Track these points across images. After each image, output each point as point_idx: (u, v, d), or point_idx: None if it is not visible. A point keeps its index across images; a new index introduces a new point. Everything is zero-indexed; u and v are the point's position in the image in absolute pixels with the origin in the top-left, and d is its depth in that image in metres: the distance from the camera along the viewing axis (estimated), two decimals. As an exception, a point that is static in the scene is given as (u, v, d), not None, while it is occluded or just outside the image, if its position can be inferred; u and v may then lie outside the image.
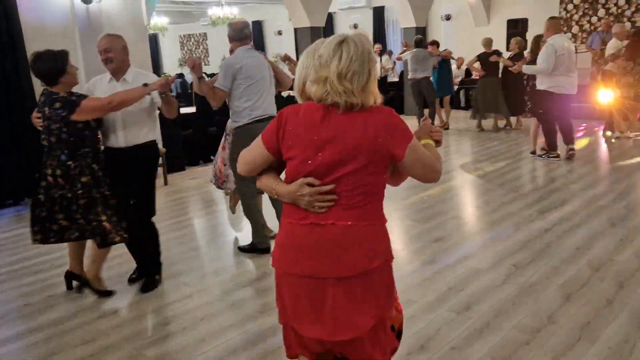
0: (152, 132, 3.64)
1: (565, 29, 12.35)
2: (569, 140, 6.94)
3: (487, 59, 9.01)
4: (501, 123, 9.67)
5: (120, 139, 3.48)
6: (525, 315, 3.08)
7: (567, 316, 3.04)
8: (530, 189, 5.74)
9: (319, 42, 1.89)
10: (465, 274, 3.68)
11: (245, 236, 4.77)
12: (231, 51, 4.31)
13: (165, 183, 6.84)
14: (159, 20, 15.80)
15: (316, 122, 1.74)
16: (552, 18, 6.93)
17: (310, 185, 1.74)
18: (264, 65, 4.14)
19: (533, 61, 7.05)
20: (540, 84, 6.75)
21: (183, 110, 8.55)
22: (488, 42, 9.19)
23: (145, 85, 3.37)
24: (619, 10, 11.74)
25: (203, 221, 5.43)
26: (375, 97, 1.77)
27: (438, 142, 2.00)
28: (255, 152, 1.86)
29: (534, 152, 7.21)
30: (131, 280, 3.81)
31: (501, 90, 9.08)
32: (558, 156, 6.95)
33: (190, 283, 3.79)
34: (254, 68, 4.03)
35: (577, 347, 2.74)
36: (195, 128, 8.00)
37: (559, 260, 3.83)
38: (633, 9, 11.56)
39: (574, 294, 3.31)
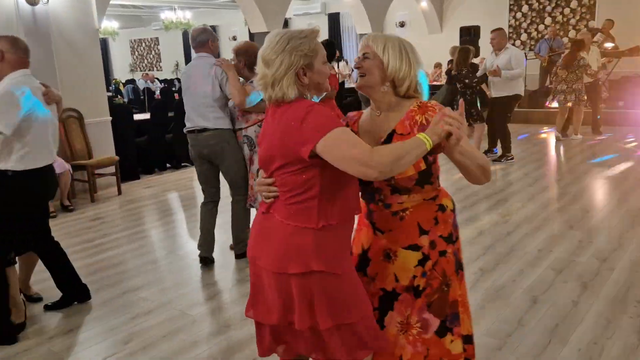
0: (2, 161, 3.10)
1: (514, 36, 12.74)
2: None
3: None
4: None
5: None
6: (495, 320, 3.07)
7: (536, 319, 3.06)
8: (490, 193, 5.82)
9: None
10: (432, 279, 3.66)
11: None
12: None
13: (119, 192, 6.57)
14: (109, 25, 15.31)
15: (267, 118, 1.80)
16: (500, 29, 7.29)
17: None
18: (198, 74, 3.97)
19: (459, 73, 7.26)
20: (509, 89, 6.96)
21: (137, 117, 8.29)
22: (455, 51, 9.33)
23: None
24: (565, 19, 12.20)
25: (161, 232, 5.23)
26: (302, 91, 1.71)
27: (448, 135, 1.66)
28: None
29: None
30: (48, 308, 3.49)
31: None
32: (513, 157, 7.17)
33: (150, 298, 3.60)
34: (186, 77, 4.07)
35: (549, 350, 2.75)
36: (150, 135, 7.74)
37: (524, 263, 3.86)
38: (578, 17, 12.03)
39: (540, 296, 3.34)
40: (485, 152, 7.46)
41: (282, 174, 1.72)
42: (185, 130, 4.03)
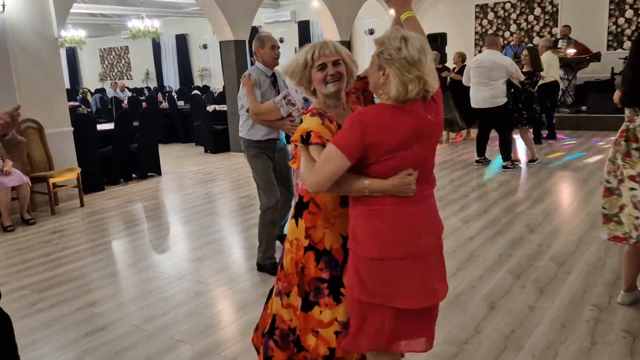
0: None
1: (481, 43, 12.93)
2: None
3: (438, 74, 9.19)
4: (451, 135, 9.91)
5: None
6: (452, 328, 3.07)
7: (492, 326, 3.07)
8: (455, 198, 5.86)
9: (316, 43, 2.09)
10: (393, 287, 3.65)
11: (171, 257, 4.53)
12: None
13: (82, 204, 6.42)
14: (75, 33, 15.05)
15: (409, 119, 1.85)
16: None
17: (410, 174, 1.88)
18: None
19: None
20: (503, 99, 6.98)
21: (101, 127, 8.16)
22: (436, 58, 9.38)
23: None
24: (529, 26, 12.44)
25: (122, 244, 5.12)
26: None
27: None
28: (335, 164, 1.84)
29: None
30: None
31: (453, 104, 9.18)
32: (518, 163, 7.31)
33: (105, 313, 3.51)
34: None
35: (503, 357, 2.76)
36: (115, 145, 7.61)
37: (483, 269, 3.89)
38: (542, 24, 12.29)
39: (498, 302, 3.36)
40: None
41: (431, 156, 1.99)
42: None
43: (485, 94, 6.96)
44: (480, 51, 12.98)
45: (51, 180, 6.07)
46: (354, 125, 1.81)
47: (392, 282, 1.89)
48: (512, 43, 11.64)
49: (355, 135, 1.80)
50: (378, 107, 1.87)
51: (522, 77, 7.02)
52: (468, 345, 2.88)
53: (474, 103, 7.14)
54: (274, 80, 3.94)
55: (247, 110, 3.72)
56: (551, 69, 8.43)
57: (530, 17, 12.40)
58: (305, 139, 1.96)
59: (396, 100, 1.82)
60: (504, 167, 7.07)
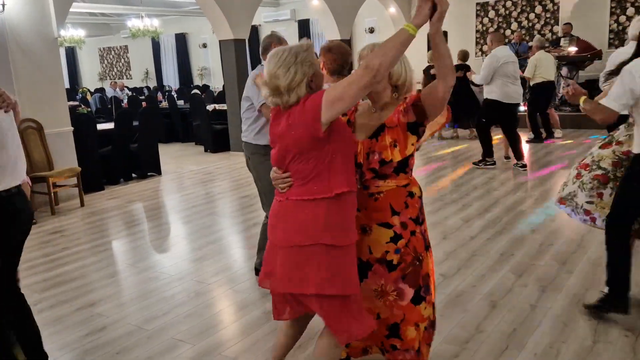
0: None
1: (482, 41, 12.92)
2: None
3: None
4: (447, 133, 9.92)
5: None
6: (454, 327, 3.06)
7: (493, 325, 3.06)
8: (456, 198, 5.85)
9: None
10: (394, 286, 3.64)
11: (171, 257, 4.53)
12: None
13: (82, 204, 6.41)
14: (75, 33, 15.04)
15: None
16: (491, 33, 7.34)
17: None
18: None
19: None
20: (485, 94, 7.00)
21: (101, 126, 8.15)
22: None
23: None
24: (530, 24, 12.42)
25: (122, 244, 5.11)
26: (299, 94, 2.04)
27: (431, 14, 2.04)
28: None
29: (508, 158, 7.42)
30: None
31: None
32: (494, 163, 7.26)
33: (105, 313, 3.50)
34: None
35: (505, 356, 2.75)
36: (115, 145, 7.60)
37: (485, 268, 3.88)
38: (543, 22, 12.27)
39: (499, 301, 3.35)
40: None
41: (297, 164, 2.06)
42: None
43: (519, 89, 6.98)
44: (481, 49, 12.98)
45: (51, 180, 6.07)
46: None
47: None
48: (512, 41, 11.62)
49: None
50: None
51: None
52: (469, 344, 2.87)
53: (512, 99, 6.87)
54: None
55: (259, 110, 3.55)
56: (540, 69, 8.38)
57: (532, 15, 12.37)
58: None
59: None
60: (523, 165, 6.95)
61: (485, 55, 7.40)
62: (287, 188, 2.11)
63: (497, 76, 6.77)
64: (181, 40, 18.19)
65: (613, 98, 2.74)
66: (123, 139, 7.68)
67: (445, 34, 12.00)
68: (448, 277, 3.75)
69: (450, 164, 7.55)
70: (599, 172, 3.12)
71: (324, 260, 2.02)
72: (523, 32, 12.28)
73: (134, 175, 7.98)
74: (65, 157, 6.59)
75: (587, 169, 3.18)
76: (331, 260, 2.03)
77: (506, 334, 2.96)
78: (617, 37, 11.41)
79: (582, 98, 2.89)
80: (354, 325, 2.09)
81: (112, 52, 20.18)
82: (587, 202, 3.15)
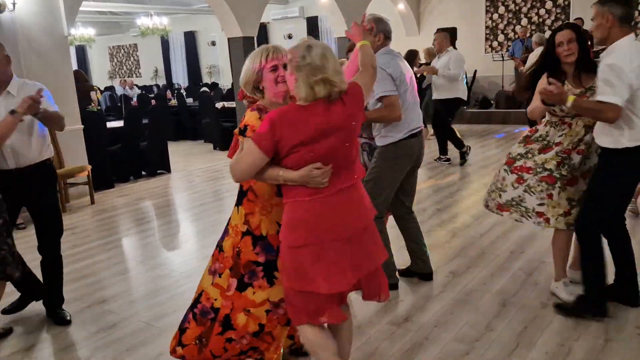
0: (45, 151, 3.32)
1: (491, 37, 12.83)
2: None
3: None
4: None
5: (10, 161, 3.17)
6: (464, 325, 3.05)
7: (504, 323, 3.04)
8: (465, 195, 5.82)
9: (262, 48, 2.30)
10: (403, 284, 3.63)
11: (180, 255, 4.54)
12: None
13: (92, 202, 6.45)
14: (85, 32, 15.11)
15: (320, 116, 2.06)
16: (441, 31, 7.47)
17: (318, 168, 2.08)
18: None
19: None
20: (450, 92, 7.13)
21: (111, 124, 8.18)
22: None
23: (13, 112, 2.95)
24: (540, 20, 12.31)
25: (133, 241, 5.14)
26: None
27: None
28: (252, 157, 2.09)
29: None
30: (6, 312, 3.50)
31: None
32: (449, 160, 7.40)
33: (116, 310, 3.52)
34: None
35: (515, 355, 2.73)
36: (124, 143, 7.63)
37: (495, 266, 3.85)
38: (553, 18, 12.16)
39: (510, 299, 3.33)
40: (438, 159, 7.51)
41: (347, 151, 2.15)
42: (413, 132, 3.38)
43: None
44: (491, 46, 12.89)
45: (62, 178, 6.10)
46: (265, 123, 2.06)
47: (305, 268, 2.10)
48: (519, 37, 11.55)
49: (267, 132, 2.04)
50: (287, 107, 2.12)
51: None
52: (479, 342, 2.86)
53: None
54: None
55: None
56: None
57: (542, 11, 12.25)
58: (243, 131, 2.21)
59: (305, 100, 2.06)
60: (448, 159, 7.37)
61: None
62: (327, 182, 2.09)
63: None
64: (190, 38, 18.22)
65: (617, 94, 2.63)
66: (132, 137, 7.72)
67: (454, 30, 12.02)
68: (458, 275, 3.73)
69: (458, 162, 7.50)
70: (545, 174, 3.10)
71: (376, 233, 2.27)
72: (533, 27, 12.18)
73: (143, 173, 8.02)
74: (76, 155, 6.63)
75: (531, 172, 3.14)
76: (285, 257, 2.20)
77: (517, 332, 2.94)
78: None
79: (572, 97, 2.77)
80: None
81: (122, 51, 20.26)
82: (539, 205, 3.13)
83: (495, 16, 12.89)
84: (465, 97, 7.37)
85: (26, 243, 5.10)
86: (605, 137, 2.82)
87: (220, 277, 2.43)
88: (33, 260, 4.59)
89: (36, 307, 3.60)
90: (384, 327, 3.09)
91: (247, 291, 2.38)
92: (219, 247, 2.48)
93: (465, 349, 2.81)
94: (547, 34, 11.88)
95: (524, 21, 12.48)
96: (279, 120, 2.04)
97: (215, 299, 2.44)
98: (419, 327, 3.06)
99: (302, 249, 2.11)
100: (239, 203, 2.43)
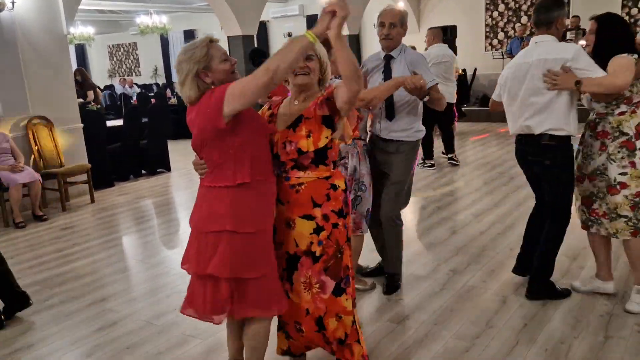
0: None
1: (491, 35, 12.82)
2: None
3: None
4: None
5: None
6: (464, 322, 3.05)
7: (504, 320, 3.04)
8: (465, 193, 5.82)
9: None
10: (403, 282, 3.63)
11: (180, 253, 4.54)
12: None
13: (92, 201, 6.45)
14: (84, 30, 15.09)
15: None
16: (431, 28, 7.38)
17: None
18: None
19: None
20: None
21: (110, 123, 8.17)
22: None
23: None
24: (540, 17, 12.30)
25: (132, 240, 5.14)
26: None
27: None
28: None
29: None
30: None
31: None
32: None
33: (116, 308, 3.52)
34: None
35: (515, 351, 2.73)
36: (124, 142, 7.63)
37: (495, 263, 3.85)
38: (560, 14, 12.13)
39: (510, 296, 3.33)
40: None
41: (206, 152, 2.18)
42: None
43: (451, 89, 7.18)
44: (491, 44, 12.88)
45: (62, 177, 6.10)
46: None
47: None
48: (517, 35, 11.55)
49: None
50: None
51: None
52: (480, 339, 2.86)
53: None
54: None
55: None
56: None
57: (541, 9, 12.25)
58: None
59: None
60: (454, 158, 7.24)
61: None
62: (204, 174, 2.22)
63: None
64: (190, 37, 18.18)
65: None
66: (132, 135, 7.71)
67: (454, 28, 11.99)
68: (458, 273, 3.73)
69: (442, 161, 7.50)
70: None
71: (228, 246, 2.13)
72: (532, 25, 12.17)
73: (143, 171, 8.01)
74: (76, 153, 6.63)
75: None
76: (238, 246, 2.14)
77: (517, 329, 2.94)
78: (629, 30, 11.27)
79: (576, 79, 2.83)
80: (274, 301, 2.26)
81: (121, 49, 20.23)
82: None
83: (495, 14, 12.89)
84: (451, 100, 7.01)
85: (26, 242, 5.11)
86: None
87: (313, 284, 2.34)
88: (33, 259, 4.61)
89: (35, 307, 3.60)
90: (384, 324, 3.08)
91: (342, 297, 2.32)
92: (308, 253, 2.32)
93: (466, 346, 2.81)
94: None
95: (524, 19, 12.47)
96: None
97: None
98: (419, 324, 3.06)
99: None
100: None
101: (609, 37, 2.95)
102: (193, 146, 2.22)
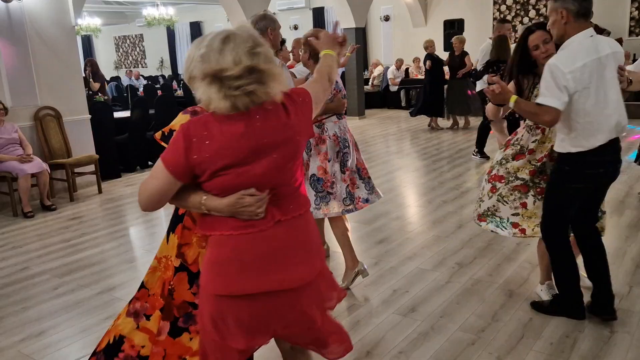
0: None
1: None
2: None
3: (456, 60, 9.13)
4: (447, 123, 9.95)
5: None
6: (469, 315, 3.07)
7: (510, 314, 3.06)
8: (470, 187, 5.83)
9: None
10: (409, 275, 3.65)
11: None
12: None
13: (99, 191, 6.49)
14: (91, 21, 15.13)
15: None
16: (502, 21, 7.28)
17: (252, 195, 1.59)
18: None
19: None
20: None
21: (118, 114, 8.21)
22: (462, 40, 9.23)
23: None
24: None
25: (140, 230, 5.18)
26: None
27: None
28: (160, 181, 1.59)
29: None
30: None
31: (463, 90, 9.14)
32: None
33: (124, 297, 3.55)
34: None
35: (521, 345, 2.75)
36: (131, 133, 7.66)
37: (501, 257, 3.87)
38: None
39: (516, 290, 3.34)
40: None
41: (288, 173, 1.68)
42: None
43: None
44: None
45: (70, 167, 6.14)
46: (178, 137, 1.55)
47: (225, 320, 1.64)
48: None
49: (179, 150, 1.54)
50: (206, 117, 1.58)
51: None
52: (485, 333, 2.88)
53: None
54: None
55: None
56: None
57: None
58: (167, 137, 1.78)
59: (216, 110, 1.55)
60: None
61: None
62: (264, 211, 1.61)
63: None
64: (196, 29, 18.19)
65: (554, 96, 2.51)
66: (139, 127, 7.74)
67: (461, 22, 11.92)
68: (464, 266, 3.75)
69: (466, 153, 7.49)
70: (518, 182, 3.00)
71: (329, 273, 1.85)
72: (541, 20, 12.10)
73: (149, 162, 8.04)
74: (83, 144, 6.67)
75: (503, 181, 3.04)
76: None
77: (523, 322, 2.95)
78: (638, 25, 11.20)
79: (513, 97, 2.63)
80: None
81: (128, 41, 20.26)
82: (513, 215, 3.04)
83: (503, 7, 12.83)
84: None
85: (35, 231, 5.16)
86: (558, 141, 2.74)
87: (148, 319, 1.97)
88: (42, 248, 4.65)
89: (45, 295, 3.64)
90: (390, 316, 3.11)
91: (183, 337, 1.96)
92: (142, 284, 2.04)
93: (472, 338, 2.83)
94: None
95: (532, 13, 12.41)
96: (196, 134, 1.54)
97: (143, 346, 1.97)
98: (425, 317, 3.08)
99: (225, 299, 1.62)
100: (170, 230, 1.95)
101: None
102: (264, 175, 1.58)
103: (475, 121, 9.83)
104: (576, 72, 2.51)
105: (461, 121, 9.86)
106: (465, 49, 9.24)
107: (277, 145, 1.58)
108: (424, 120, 10.45)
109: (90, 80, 8.54)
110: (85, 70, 8.43)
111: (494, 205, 3.11)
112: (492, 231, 3.17)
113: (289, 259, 1.64)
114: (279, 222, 1.63)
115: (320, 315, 1.75)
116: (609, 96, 2.60)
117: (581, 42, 2.55)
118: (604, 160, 2.69)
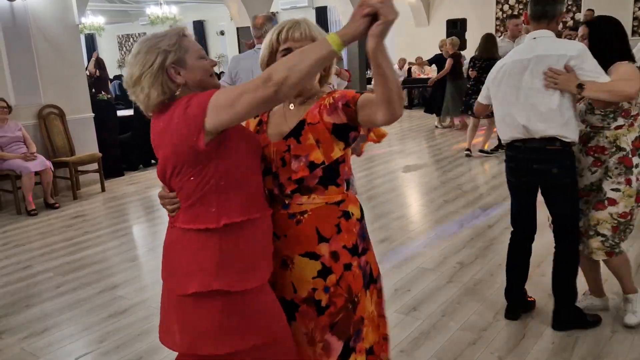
0: None
1: (501, 29, 12.75)
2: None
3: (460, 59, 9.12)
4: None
5: None
6: (471, 315, 3.07)
7: (511, 313, 3.06)
8: (472, 186, 5.82)
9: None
10: (411, 274, 3.66)
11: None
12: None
13: (102, 189, 6.51)
14: (94, 20, 15.15)
15: None
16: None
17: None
18: None
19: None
20: None
21: (121, 112, 8.23)
22: (454, 43, 9.23)
23: None
24: (552, 11, 12.21)
25: (143, 228, 5.20)
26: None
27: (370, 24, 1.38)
28: None
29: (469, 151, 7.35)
30: None
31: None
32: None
33: (127, 296, 3.58)
34: None
35: (523, 344, 2.75)
36: (134, 131, 7.68)
37: (502, 257, 3.84)
38: (565, 9, 12.05)
39: (518, 290, 3.34)
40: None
41: (177, 181, 1.56)
42: None
43: None
44: (500, 37, 12.79)
45: (73, 166, 6.17)
46: None
47: None
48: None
49: None
50: None
51: None
52: (487, 332, 2.88)
53: None
54: None
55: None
56: None
57: (553, 2, 12.16)
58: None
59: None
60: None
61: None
62: (175, 211, 1.62)
63: None
64: (199, 28, 18.22)
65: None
66: (142, 125, 7.75)
67: (464, 21, 11.94)
68: (465, 266, 3.75)
69: (451, 154, 7.50)
70: None
71: (219, 314, 1.55)
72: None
73: (152, 161, 8.06)
74: (86, 143, 6.70)
75: None
76: (233, 309, 1.56)
77: (524, 322, 2.96)
78: (642, 25, 11.17)
79: (578, 82, 2.53)
80: None
81: (131, 40, 20.28)
82: None
83: (506, 7, 12.82)
84: None
85: (38, 229, 5.18)
86: None
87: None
88: (45, 247, 4.68)
89: (47, 293, 3.66)
90: (392, 315, 3.11)
91: (350, 359, 1.73)
92: (311, 301, 1.71)
93: (473, 338, 2.83)
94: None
95: (535, 12, 12.39)
96: None
97: None
98: (427, 316, 3.08)
99: None
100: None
101: (603, 43, 2.68)
102: (159, 174, 1.62)
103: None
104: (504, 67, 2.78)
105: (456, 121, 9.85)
106: (467, 49, 9.25)
107: (157, 144, 1.65)
108: (425, 119, 10.45)
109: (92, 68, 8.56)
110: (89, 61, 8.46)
111: None
112: None
113: (173, 264, 1.68)
114: (173, 227, 1.66)
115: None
116: (519, 97, 2.72)
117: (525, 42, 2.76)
118: (517, 157, 2.84)
